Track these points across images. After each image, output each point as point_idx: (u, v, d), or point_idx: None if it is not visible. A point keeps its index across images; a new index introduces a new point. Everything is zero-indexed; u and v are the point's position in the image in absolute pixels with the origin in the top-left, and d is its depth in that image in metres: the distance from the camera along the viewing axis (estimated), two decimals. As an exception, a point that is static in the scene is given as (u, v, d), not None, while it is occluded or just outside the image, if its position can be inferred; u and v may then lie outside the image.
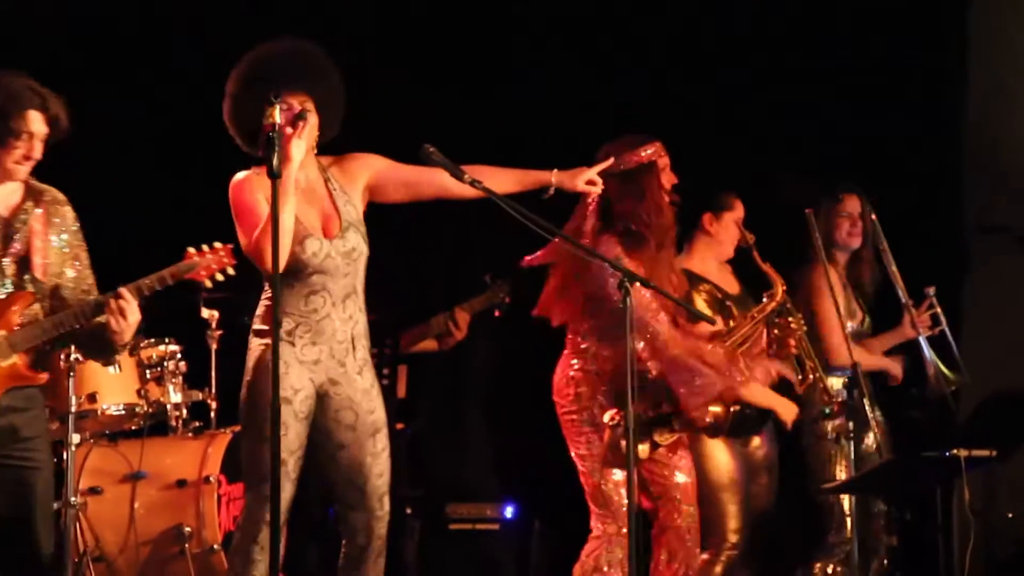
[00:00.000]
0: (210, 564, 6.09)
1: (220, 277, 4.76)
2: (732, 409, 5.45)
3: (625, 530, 5.16)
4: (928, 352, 6.25)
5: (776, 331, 5.74)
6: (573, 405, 5.35)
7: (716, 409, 5.37)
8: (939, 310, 6.33)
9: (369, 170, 4.98)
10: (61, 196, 4.79)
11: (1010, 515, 5.75)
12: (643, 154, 5.40)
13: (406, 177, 4.98)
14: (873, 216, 6.33)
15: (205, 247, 4.72)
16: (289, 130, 4.63)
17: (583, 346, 5.38)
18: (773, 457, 6.15)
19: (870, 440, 6.12)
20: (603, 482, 5.30)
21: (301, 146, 4.70)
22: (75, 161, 4.91)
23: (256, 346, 4.84)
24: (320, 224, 4.83)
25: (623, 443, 5.08)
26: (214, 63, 5.08)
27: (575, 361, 5.38)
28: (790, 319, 5.70)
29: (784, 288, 5.68)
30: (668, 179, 5.44)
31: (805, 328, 5.77)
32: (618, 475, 5.26)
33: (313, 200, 4.85)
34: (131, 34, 7.39)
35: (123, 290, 4.60)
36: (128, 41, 7.37)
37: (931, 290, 6.33)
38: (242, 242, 4.77)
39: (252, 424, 4.77)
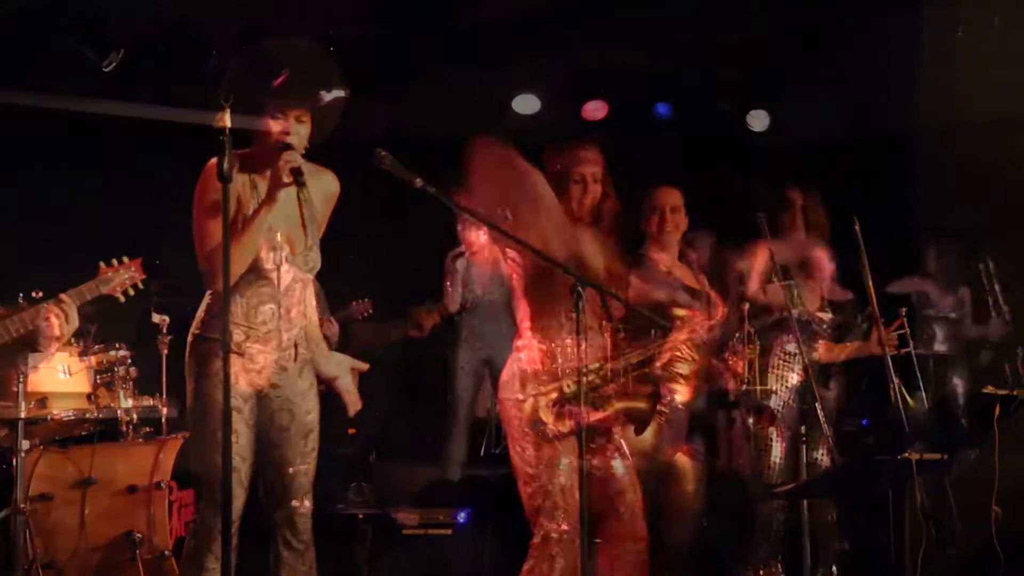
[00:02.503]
0: (161, 570, 6.05)
1: (132, 292, 4.84)
2: (657, 405, 5.41)
3: (565, 527, 5.08)
4: (892, 374, 6.21)
5: (729, 356, 5.76)
6: (520, 401, 5.23)
7: (641, 404, 5.30)
8: (908, 331, 6.30)
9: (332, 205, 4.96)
10: None
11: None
12: (560, 161, 5.32)
13: None
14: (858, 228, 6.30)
15: (115, 262, 4.72)
16: (287, 179, 4.63)
17: (521, 342, 5.30)
18: (700, 464, 6.16)
19: (820, 451, 6.14)
20: (549, 483, 5.17)
21: (286, 193, 4.71)
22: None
23: (203, 353, 4.80)
24: (286, 238, 4.79)
25: (541, 415, 5.09)
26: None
27: (523, 356, 5.30)
28: (746, 346, 5.76)
29: (724, 311, 5.70)
30: (583, 190, 5.30)
31: (758, 351, 5.82)
32: (562, 477, 5.15)
33: (284, 212, 4.77)
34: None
35: (64, 296, 4.66)
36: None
37: (903, 311, 6.31)
38: (201, 239, 4.67)
39: (203, 432, 4.74)
